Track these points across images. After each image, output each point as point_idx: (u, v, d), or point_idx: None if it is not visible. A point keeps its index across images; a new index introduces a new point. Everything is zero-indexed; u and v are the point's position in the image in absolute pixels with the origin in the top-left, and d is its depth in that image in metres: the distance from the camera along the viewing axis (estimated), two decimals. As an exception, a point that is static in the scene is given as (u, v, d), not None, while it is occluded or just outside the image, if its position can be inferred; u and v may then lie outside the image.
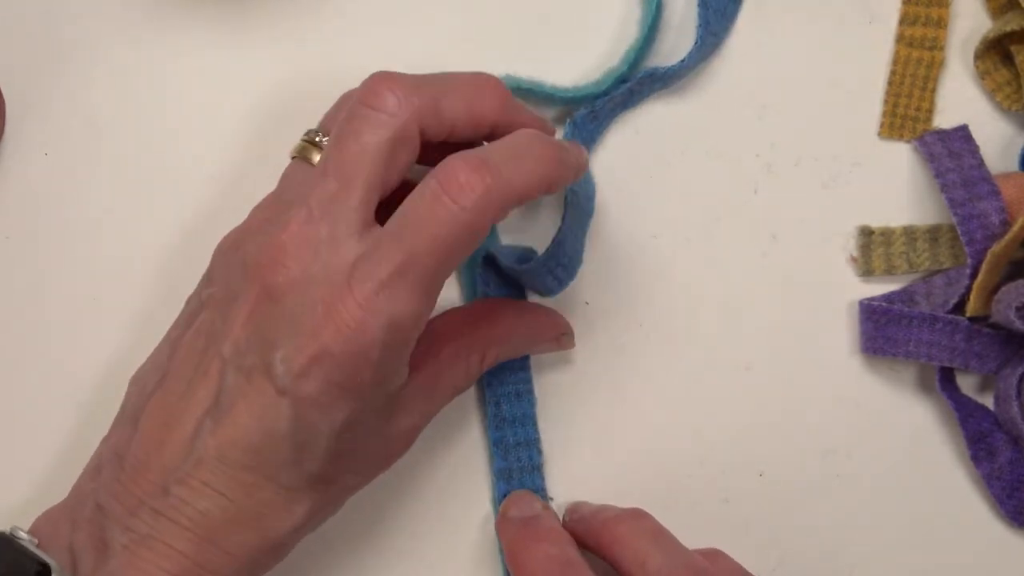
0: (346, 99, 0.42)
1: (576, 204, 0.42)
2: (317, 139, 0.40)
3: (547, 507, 0.42)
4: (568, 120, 0.44)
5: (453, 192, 0.34)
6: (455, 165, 0.35)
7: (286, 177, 0.40)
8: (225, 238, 0.39)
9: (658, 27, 0.45)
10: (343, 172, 0.36)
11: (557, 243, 0.41)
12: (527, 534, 0.40)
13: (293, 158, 0.40)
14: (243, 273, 0.37)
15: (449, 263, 0.35)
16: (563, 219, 0.42)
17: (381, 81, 0.36)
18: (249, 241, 0.38)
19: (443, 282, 0.36)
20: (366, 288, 0.34)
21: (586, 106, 0.44)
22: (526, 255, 0.44)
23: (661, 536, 0.40)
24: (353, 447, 0.37)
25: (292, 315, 0.35)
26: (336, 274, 0.35)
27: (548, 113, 0.45)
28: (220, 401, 0.36)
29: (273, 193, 0.40)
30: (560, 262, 0.42)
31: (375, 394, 0.36)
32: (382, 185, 0.36)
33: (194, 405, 0.36)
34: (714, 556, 0.40)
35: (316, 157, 0.39)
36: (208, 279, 0.39)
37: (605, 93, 0.44)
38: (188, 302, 0.40)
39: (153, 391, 0.37)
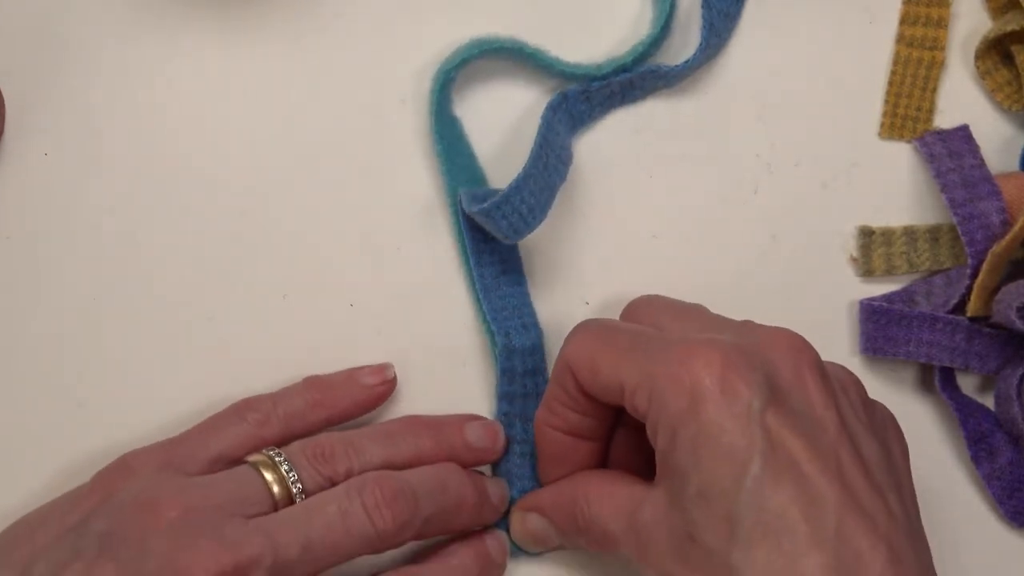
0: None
1: (542, 157, 0.42)
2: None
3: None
4: (558, 92, 0.44)
5: None
6: None
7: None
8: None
9: (671, 27, 0.45)
10: None
11: (514, 187, 0.41)
12: None
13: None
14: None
15: None
16: (524, 166, 0.41)
17: None
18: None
19: None
20: None
21: (581, 84, 0.44)
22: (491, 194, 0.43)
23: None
24: None
25: None
26: None
27: (546, 84, 0.45)
28: None
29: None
30: (515, 207, 0.41)
31: None
32: None
33: None
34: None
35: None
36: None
37: (603, 78, 0.44)
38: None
39: None
